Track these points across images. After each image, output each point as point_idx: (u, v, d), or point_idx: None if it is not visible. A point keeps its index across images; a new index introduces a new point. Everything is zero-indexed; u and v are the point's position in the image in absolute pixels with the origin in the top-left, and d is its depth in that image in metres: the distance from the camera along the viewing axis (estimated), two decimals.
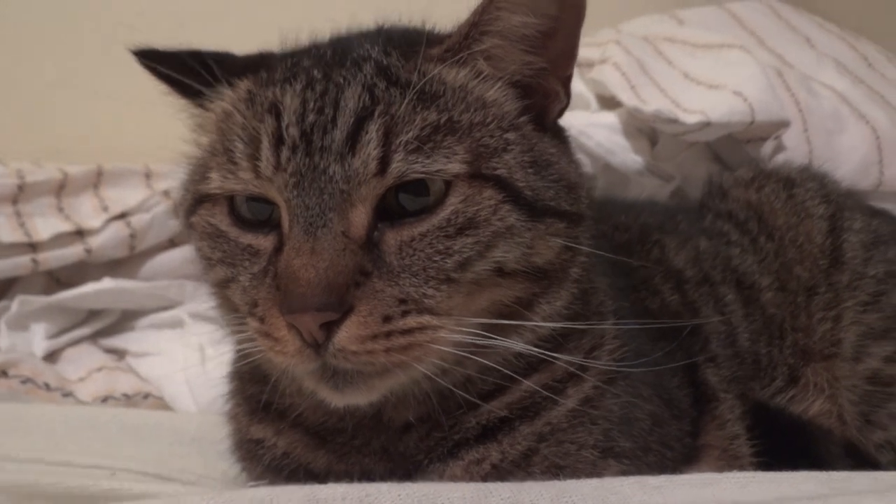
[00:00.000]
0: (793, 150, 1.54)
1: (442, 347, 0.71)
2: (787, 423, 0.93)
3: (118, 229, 1.63)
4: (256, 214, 0.76)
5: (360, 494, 0.63)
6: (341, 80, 0.74)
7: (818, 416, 0.97)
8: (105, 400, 1.34)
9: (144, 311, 1.63)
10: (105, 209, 1.68)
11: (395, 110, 0.71)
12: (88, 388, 1.37)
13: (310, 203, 0.70)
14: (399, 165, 0.70)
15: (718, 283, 1.05)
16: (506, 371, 0.77)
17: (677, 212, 1.27)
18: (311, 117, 0.72)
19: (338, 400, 0.74)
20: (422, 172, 0.70)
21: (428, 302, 0.71)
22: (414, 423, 0.80)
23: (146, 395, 1.37)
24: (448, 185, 0.72)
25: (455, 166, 0.71)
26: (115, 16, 1.91)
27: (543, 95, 0.79)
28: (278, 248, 0.73)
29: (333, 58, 0.78)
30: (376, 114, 0.71)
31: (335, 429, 0.82)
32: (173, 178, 1.96)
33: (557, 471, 0.77)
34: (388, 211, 0.72)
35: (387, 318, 0.69)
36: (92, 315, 1.62)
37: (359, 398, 0.74)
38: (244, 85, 0.79)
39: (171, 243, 1.70)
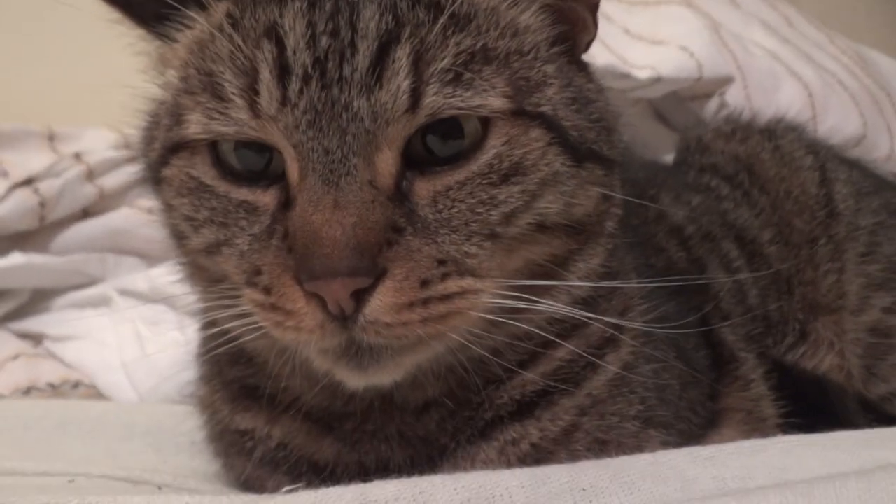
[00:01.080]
0: (734, 108, 1.55)
1: (482, 314, 0.63)
2: (804, 380, 0.90)
3: (24, 197, 1.44)
4: (249, 164, 0.64)
5: (414, 491, 0.54)
6: None
7: (829, 371, 0.95)
8: (28, 391, 1.19)
9: (60, 290, 1.45)
10: (4, 174, 1.47)
11: (425, 33, 0.60)
12: (5, 380, 1.21)
13: (329, 146, 0.59)
14: (434, 99, 0.60)
15: (720, 238, 1.01)
16: (538, 338, 0.69)
17: (657, 167, 1.22)
18: (323, 41, 0.60)
19: (359, 381, 0.65)
20: (460, 108, 0.60)
21: (470, 262, 0.61)
22: (432, 402, 0.70)
23: (76, 384, 1.23)
24: (486, 124, 0.62)
25: (497, 101, 0.61)
26: None
27: (573, 24, 0.70)
28: (285, 204, 0.62)
29: None
30: (403, 37, 0.60)
31: (342, 413, 0.72)
32: (81, 141, 1.75)
33: (601, 446, 0.70)
34: (415, 157, 0.62)
35: (425, 283, 0.60)
36: None
37: (383, 377, 0.64)
38: (222, 6, 0.66)
39: (85, 213, 1.52)
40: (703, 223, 1.03)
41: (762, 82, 1.58)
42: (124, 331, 1.27)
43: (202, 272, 0.70)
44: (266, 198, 0.63)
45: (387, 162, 0.61)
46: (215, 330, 0.71)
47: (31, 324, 1.40)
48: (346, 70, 0.59)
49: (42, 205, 1.45)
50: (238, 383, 0.76)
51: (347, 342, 0.61)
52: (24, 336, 1.37)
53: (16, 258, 1.39)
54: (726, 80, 1.48)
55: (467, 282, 0.61)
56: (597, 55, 1.48)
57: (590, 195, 0.68)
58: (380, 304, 0.58)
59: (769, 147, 1.12)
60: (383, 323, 0.59)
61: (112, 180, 1.52)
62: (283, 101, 0.60)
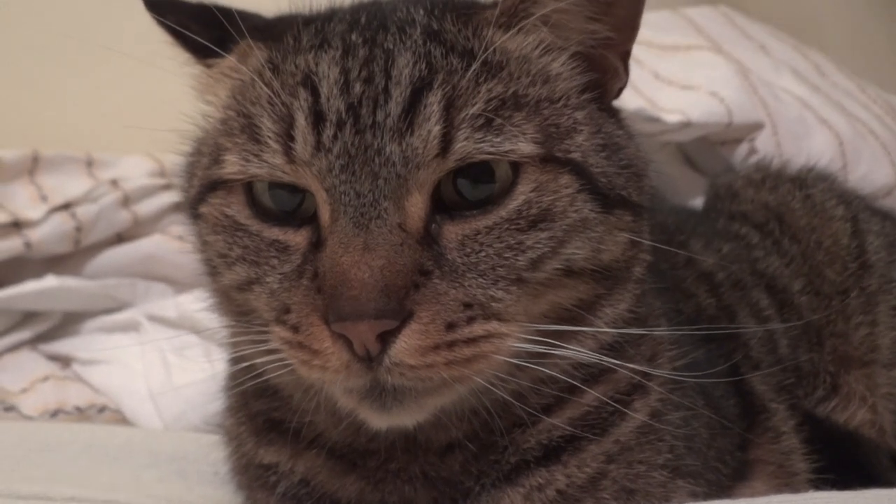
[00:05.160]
0: (763, 154, 1.55)
1: (506, 358, 0.63)
2: (836, 434, 0.89)
3: (62, 221, 1.46)
4: (281, 205, 0.66)
5: None
6: (390, 46, 0.64)
7: (861, 425, 0.94)
8: (55, 414, 1.19)
9: (89, 314, 1.47)
10: (44, 199, 1.50)
11: (457, 80, 0.62)
12: (33, 401, 1.21)
13: (361, 190, 0.61)
14: (464, 145, 0.61)
15: (750, 286, 1.00)
16: (563, 383, 0.69)
17: (687, 213, 1.22)
18: (357, 87, 0.62)
19: (382, 421, 0.65)
20: (489, 153, 0.61)
21: (496, 306, 0.62)
22: (456, 443, 0.70)
23: (102, 409, 1.22)
24: (516, 170, 0.63)
25: (527, 146, 0.62)
26: None
27: (603, 72, 0.72)
28: (315, 245, 0.63)
29: (370, 21, 0.68)
30: (435, 84, 0.62)
31: (366, 450, 0.72)
32: (118, 168, 1.78)
33: (628, 495, 0.69)
34: (445, 201, 0.63)
35: (450, 326, 0.61)
36: (29, 318, 1.44)
37: (406, 418, 0.65)
38: (263, 53, 0.68)
39: (119, 238, 1.55)
40: (734, 271, 1.02)
41: (792, 129, 1.56)
42: (151, 357, 1.28)
43: (232, 305, 0.71)
44: (297, 238, 0.65)
45: (416, 206, 0.62)
46: (243, 365, 0.72)
47: (61, 346, 1.40)
48: (379, 116, 0.61)
49: (78, 229, 1.47)
50: (263, 416, 0.77)
51: (372, 383, 0.61)
52: (54, 358, 1.38)
53: (50, 281, 1.40)
54: (756, 127, 1.48)
55: (493, 325, 0.62)
56: (627, 99, 1.48)
57: (618, 241, 0.68)
58: (405, 346, 0.59)
59: (800, 196, 1.11)
60: (408, 365, 0.59)
61: (146, 207, 1.55)
62: (318, 146, 0.61)
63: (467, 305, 0.61)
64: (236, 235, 0.67)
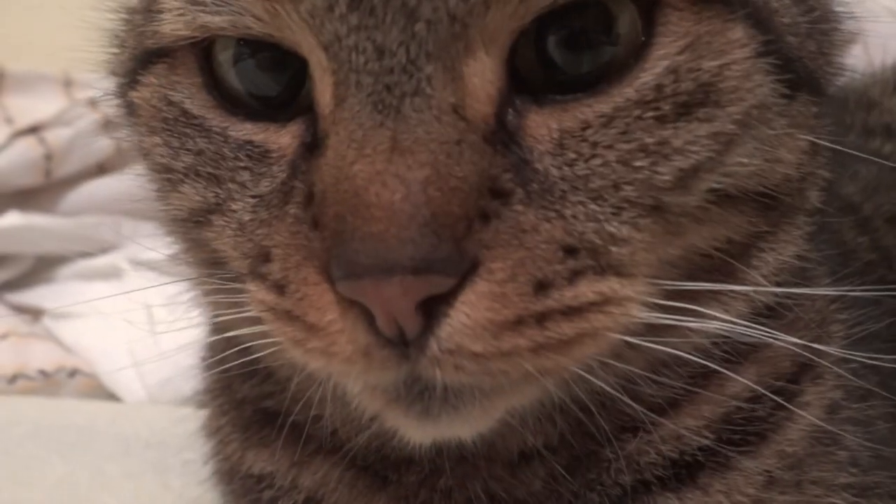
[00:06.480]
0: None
1: (619, 336, 0.40)
2: None
3: (27, 147, 1.29)
4: (257, 84, 0.43)
5: None
6: None
7: None
8: (14, 380, 0.99)
9: (66, 258, 1.28)
10: (9, 122, 1.33)
11: None
12: None
13: (385, 43, 0.37)
14: None
15: None
16: (695, 364, 0.45)
17: None
18: None
19: (424, 433, 0.43)
20: None
21: (616, 252, 0.39)
22: (535, 452, 0.48)
23: (73, 373, 1.03)
24: (649, 18, 0.39)
25: None
26: None
27: None
28: (310, 147, 0.41)
29: None
30: None
31: (401, 460, 0.50)
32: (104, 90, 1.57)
33: None
34: (523, 74, 0.39)
35: (542, 286, 0.37)
36: None
37: (462, 429, 0.42)
38: None
39: (101, 169, 1.37)
40: (883, 202, 0.78)
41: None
42: (134, 309, 1.07)
43: (195, 250, 0.49)
44: (282, 138, 0.42)
45: (483, 74, 0.38)
46: (224, 335, 0.50)
47: (31, 296, 1.22)
48: None
49: (48, 157, 1.31)
50: (252, 405, 0.55)
51: (409, 376, 0.39)
52: (22, 310, 1.20)
53: (12, 218, 1.23)
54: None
55: (610, 284, 0.39)
56: None
57: (797, 146, 0.45)
58: (466, 320, 0.36)
59: None
60: (470, 352, 0.37)
61: None
62: None
63: (570, 251, 0.38)
64: (185, 134, 0.44)
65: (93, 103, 1.33)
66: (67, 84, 1.44)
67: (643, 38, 0.39)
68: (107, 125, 1.36)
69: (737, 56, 0.40)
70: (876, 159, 0.79)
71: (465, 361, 0.37)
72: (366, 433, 0.48)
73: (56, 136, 1.30)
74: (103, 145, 1.33)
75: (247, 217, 0.42)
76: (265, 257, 0.41)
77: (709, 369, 0.46)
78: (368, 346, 0.37)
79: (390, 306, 0.35)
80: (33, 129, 1.29)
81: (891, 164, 0.83)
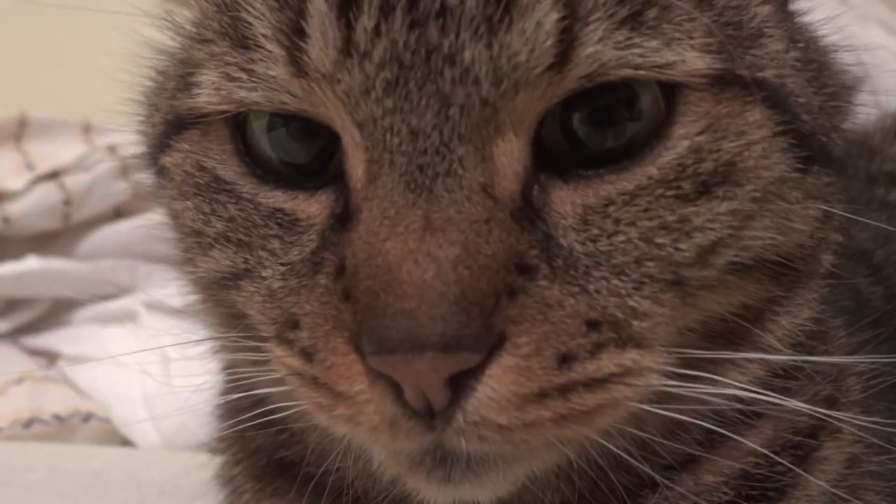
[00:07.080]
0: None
1: (638, 405, 0.41)
2: None
3: (47, 193, 1.30)
4: (292, 151, 0.44)
5: None
6: None
7: None
8: (29, 424, 0.98)
9: (83, 301, 1.27)
10: (30, 167, 1.34)
11: None
12: (5, 408, 1.00)
13: (420, 125, 0.38)
14: (597, 50, 0.38)
15: None
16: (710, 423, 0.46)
17: None
18: None
19: (444, 497, 0.43)
20: (638, 66, 0.39)
21: (637, 326, 0.40)
22: None
23: (87, 417, 1.02)
24: (671, 99, 0.40)
25: (697, 58, 0.40)
26: None
27: None
28: (341, 219, 0.41)
29: None
30: None
31: None
32: (121, 135, 1.59)
33: None
34: (548, 150, 0.41)
35: (566, 359, 0.38)
36: (11, 306, 1.26)
37: (482, 493, 0.43)
38: None
39: (118, 213, 1.38)
40: (893, 249, 0.78)
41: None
42: (148, 353, 1.08)
43: (219, 308, 0.50)
44: (311, 206, 0.43)
45: (511, 154, 0.39)
46: (237, 386, 0.50)
47: (47, 339, 1.22)
48: (451, 1, 0.37)
49: (67, 202, 1.31)
50: (266, 455, 0.55)
51: (432, 444, 0.39)
52: (37, 353, 1.19)
53: (31, 263, 1.23)
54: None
55: (631, 356, 0.40)
56: None
57: (810, 215, 0.46)
58: (492, 394, 0.38)
59: None
60: (495, 424, 0.38)
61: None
62: (346, 47, 0.38)
63: (592, 324, 0.39)
64: (216, 201, 0.45)
65: (112, 149, 1.35)
66: (86, 129, 1.46)
67: (665, 117, 0.40)
68: (124, 170, 1.38)
69: (755, 137, 0.41)
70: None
71: (489, 433, 0.38)
72: (385, 491, 0.48)
73: (75, 181, 1.31)
74: (120, 189, 1.34)
75: (276, 284, 0.43)
76: (294, 324, 0.41)
77: (726, 427, 0.46)
78: (395, 416, 0.38)
79: (420, 381, 0.36)
80: (53, 175, 1.30)
81: None
